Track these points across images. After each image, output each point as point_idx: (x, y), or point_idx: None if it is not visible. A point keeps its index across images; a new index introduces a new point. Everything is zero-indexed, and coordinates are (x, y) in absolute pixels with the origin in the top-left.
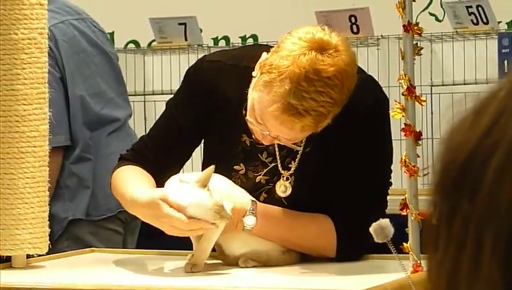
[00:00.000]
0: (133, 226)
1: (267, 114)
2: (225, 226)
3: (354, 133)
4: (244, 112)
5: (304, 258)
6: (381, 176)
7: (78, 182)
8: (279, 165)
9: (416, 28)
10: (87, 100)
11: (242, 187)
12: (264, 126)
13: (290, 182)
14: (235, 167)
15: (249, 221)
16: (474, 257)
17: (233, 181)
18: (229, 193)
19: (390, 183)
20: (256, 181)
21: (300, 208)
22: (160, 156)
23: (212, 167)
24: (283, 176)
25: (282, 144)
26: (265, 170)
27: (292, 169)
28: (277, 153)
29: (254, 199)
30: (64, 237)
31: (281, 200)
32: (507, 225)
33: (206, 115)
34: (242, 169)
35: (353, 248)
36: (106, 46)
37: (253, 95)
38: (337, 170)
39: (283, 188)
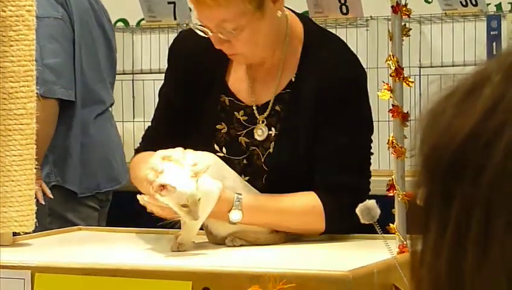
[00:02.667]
0: (104, 211)
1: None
2: (211, 213)
3: (333, 97)
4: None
5: (291, 236)
6: (363, 142)
7: (64, 149)
8: (255, 111)
9: (404, 9)
10: (85, 71)
11: (227, 147)
12: (207, 27)
13: (265, 125)
14: (217, 126)
15: (235, 216)
16: (481, 240)
17: (217, 141)
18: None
19: (372, 153)
20: (239, 141)
21: (279, 172)
22: (170, 138)
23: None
24: (259, 120)
25: (226, 38)
26: (244, 131)
27: (267, 112)
28: (254, 108)
29: (239, 193)
30: (47, 213)
31: (261, 167)
32: None
33: (190, 84)
34: (224, 128)
35: (341, 219)
36: (110, 34)
37: None
38: (318, 135)
39: (260, 132)
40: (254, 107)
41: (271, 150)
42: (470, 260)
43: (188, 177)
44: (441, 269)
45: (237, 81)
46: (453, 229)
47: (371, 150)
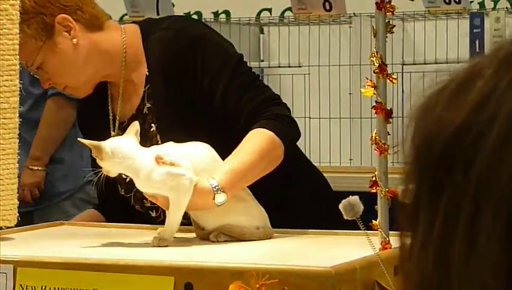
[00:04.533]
0: None
1: None
2: (195, 204)
3: (181, 60)
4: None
5: (276, 232)
6: (240, 67)
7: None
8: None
9: (389, 5)
10: None
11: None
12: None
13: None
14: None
15: (220, 199)
16: (469, 231)
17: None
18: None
19: (256, 75)
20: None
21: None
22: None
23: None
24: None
25: (42, 77)
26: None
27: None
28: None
29: (213, 176)
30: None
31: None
32: (509, 195)
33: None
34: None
35: (289, 128)
36: None
37: None
38: (204, 94)
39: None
40: (118, 128)
41: (160, 142)
42: (457, 252)
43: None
44: (429, 260)
45: (116, 108)
46: (441, 221)
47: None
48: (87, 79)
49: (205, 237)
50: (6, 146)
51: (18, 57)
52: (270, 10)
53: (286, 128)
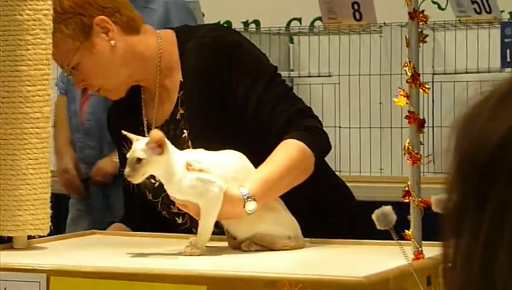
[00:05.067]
0: None
1: None
2: (226, 213)
3: (216, 70)
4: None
5: (308, 242)
6: (275, 79)
7: None
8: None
9: (421, 15)
10: None
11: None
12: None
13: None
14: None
15: (250, 207)
16: None
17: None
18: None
19: (290, 87)
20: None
21: None
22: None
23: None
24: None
25: (76, 78)
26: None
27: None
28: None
29: (244, 185)
30: None
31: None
32: None
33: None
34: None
35: (320, 140)
36: None
37: None
38: (238, 105)
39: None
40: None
41: (190, 148)
42: (502, 262)
43: (143, 141)
44: (474, 271)
45: (149, 113)
46: (486, 232)
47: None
48: (121, 81)
49: (237, 246)
50: (39, 155)
51: (51, 67)
52: (300, 20)
53: (317, 140)
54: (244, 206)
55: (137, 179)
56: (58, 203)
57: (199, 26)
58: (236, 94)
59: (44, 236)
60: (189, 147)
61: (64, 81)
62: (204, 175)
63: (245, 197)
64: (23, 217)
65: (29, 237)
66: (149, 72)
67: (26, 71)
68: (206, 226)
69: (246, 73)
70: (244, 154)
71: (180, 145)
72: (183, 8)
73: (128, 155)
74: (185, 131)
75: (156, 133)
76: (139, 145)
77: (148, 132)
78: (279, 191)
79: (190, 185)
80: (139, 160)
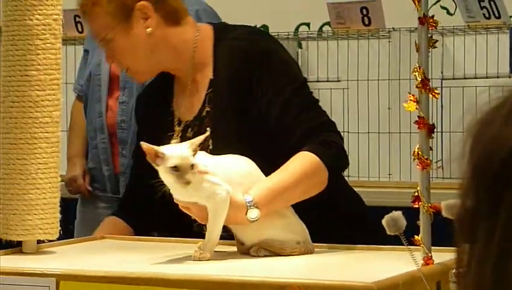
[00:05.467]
0: None
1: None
2: (227, 218)
3: (245, 74)
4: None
5: (317, 247)
6: (302, 89)
7: None
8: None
9: (431, 20)
10: None
11: None
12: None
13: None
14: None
15: (252, 214)
16: None
17: None
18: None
19: (316, 99)
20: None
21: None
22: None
23: (205, 135)
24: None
25: (105, 50)
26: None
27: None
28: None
29: (248, 193)
30: None
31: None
32: None
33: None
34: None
35: (338, 157)
36: None
37: None
38: (260, 110)
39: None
40: (178, 126)
41: (211, 146)
42: None
43: (183, 147)
44: (487, 275)
45: (177, 104)
46: (499, 236)
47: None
48: (150, 68)
49: (246, 251)
50: (48, 160)
51: (61, 72)
52: (308, 25)
53: (335, 156)
54: (246, 213)
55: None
56: (67, 208)
57: (237, 26)
58: (262, 102)
59: (53, 240)
60: (209, 146)
61: (81, 83)
62: (211, 177)
63: (248, 204)
64: (33, 221)
65: (39, 242)
66: (181, 64)
67: (36, 76)
68: (214, 230)
69: (274, 82)
70: (260, 161)
71: (202, 142)
72: (213, 16)
73: (176, 163)
74: (208, 129)
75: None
76: (184, 150)
77: (178, 124)
78: (286, 202)
79: (196, 187)
80: (192, 165)
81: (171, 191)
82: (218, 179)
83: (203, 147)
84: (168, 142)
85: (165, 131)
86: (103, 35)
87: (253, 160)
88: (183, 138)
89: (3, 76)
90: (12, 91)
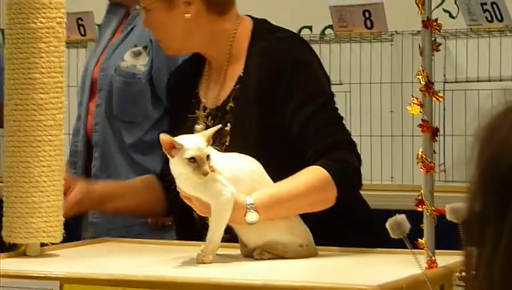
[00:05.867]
0: None
1: None
2: (233, 218)
3: (276, 80)
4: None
5: (320, 250)
6: (327, 104)
7: None
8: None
9: (435, 24)
10: None
11: None
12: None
13: (217, 121)
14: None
15: (251, 217)
16: None
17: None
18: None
19: (341, 116)
20: None
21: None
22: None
23: (217, 127)
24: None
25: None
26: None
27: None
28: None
29: (250, 195)
30: None
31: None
32: None
33: (175, 104)
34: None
35: (350, 177)
36: None
37: None
38: (284, 118)
39: (198, 128)
40: (203, 111)
41: (227, 143)
42: None
43: (198, 138)
44: (495, 278)
45: (204, 88)
46: (507, 240)
47: (338, 110)
48: (181, 47)
49: (249, 254)
50: (52, 163)
51: (64, 75)
52: (310, 28)
53: (347, 176)
54: (245, 215)
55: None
56: None
57: (276, 28)
58: (287, 111)
59: (57, 243)
60: (226, 142)
61: None
62: (218, 176)
63: (249, 206)
64: (36, 224)
65: (42, 245)
66: (216, 52)
67: (39, 79)
68: (216, 231)
69: (301, 93)
70: (273, 167)
71: (220, 136)
72: None
73: (195, 154)
74: (228, 124)
75: (214, 132)
76: (199, 142)
77: (203, 109)
78: (287, 211)
79: (203, 183)
80: (208, 156)
81: (176, 181)
82: (224, 179)
83: (219, 142)
84: (191, 125)
85: (187, 112)
86: (146, 3)
87: (266, 165)
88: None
89: (7, 79)
90: (16, 94)
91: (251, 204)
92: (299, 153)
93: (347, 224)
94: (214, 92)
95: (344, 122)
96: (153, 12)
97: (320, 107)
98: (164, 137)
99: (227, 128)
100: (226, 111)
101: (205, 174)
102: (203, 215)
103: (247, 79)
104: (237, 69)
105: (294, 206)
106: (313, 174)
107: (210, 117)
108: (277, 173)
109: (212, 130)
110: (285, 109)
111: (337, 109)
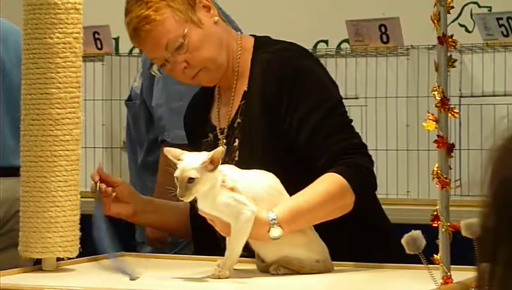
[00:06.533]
0: None
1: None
2: (253, 234)
3: (279, 90)
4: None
5: (336, 265)
6: (335, 109)
7: None
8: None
9: (450, 40)
10: None
11: None
12: (160, 60)
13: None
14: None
15: (275, 233)
16: None
17: None
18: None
19: (350, 119)
20: None
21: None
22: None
23: (223, 149)
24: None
25: (182, 58)
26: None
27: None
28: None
29: (272, 210)
30: None
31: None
32: None
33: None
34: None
35: (365, 181)
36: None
37: None
38: (291, 126)
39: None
40: (217, 131)
41: (236, 158)
42: None
43: (198, 157)
44: None
45: (215, 112)
46: None
47: (347, 114)
48: (220, 63)
49: (266, 269)
50: (68, 177)
51: (81, 90)
52: (326, 42)
53: (363, 180)
54: (268, 231)
55: (190, 198)
56: (87, 224)
57: (277, 41)
58: (293, 121)
59: (73, 258)
60: (235, 157)
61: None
62: (239, 196)
63: (271, 221)
64: (52, 239)
65: (58, 259)
66: (228, 70)
67: (56, 94)
68: (235, 248)
69: (306, 101)
70: (285, 178)
71: (230, 152)
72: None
73: (177, 174)
74: (236, 140)
75: (220, 153)
76: (189, 163)
77: (213, 130)
78: (309, 222)
79: (225, 203)
80: (191, 179)
81: (198, 203)
82: (244, 198)
83: (229, 158)
84: (205, 149)
85: (201, 137)
86: (178, 36)
87: (277, 176)
88: (215, 145)
89: (23, 94)
90: (33, 109)
91: (273, 219)
92: (307, 161)
93: (363, 229)
94: (224, 112)
95: (353, 125)
96: (188, 38)
97: (328, 112)
98: (167, 153)
99: (236, 144)
100: (235, 128)
101: (181, 196)
102: (226, 236)
103: (251, 93)
104: (242, 85)
105: (315, 217)
106: (330, 183)
107: (223, 136)
108: (289, 182)
109: (217, 151)
110: (291, 117)
111: (345, 112)
